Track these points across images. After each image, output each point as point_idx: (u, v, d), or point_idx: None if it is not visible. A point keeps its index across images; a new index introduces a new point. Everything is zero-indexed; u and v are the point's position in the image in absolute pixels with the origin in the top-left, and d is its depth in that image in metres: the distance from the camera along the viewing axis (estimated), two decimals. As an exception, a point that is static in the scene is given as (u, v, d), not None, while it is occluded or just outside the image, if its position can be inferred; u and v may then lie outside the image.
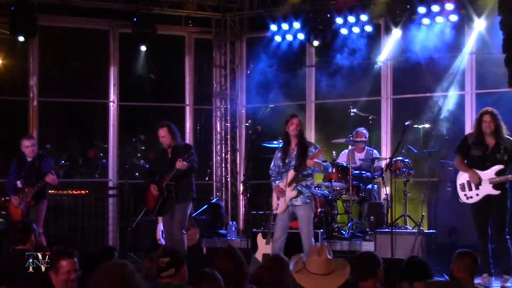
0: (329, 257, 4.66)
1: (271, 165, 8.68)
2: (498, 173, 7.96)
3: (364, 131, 10.93)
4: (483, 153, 8.05)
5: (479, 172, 8.04)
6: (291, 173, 8.34)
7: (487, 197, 8.01)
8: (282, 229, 8.43)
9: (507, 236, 7.98)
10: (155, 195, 8.93)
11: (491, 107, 8.28)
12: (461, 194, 8.21)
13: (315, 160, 8.19)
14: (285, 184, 8.37)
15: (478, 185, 8.03)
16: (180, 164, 8.68)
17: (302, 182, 8.33)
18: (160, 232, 9.81)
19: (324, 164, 8.39)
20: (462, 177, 8.22)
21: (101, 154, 12.87)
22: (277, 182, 8.50)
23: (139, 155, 13.75)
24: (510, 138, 8.08)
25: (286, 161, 8.43)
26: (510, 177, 7.92)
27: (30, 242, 6.15)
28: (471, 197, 8.11)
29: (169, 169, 8.81)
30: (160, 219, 9.67)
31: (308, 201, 8.37)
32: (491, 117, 8.03)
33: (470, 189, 8.09)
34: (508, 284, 7.84)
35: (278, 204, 8.46)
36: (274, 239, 8.51)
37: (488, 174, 8.00)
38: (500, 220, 7.97)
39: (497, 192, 7.95)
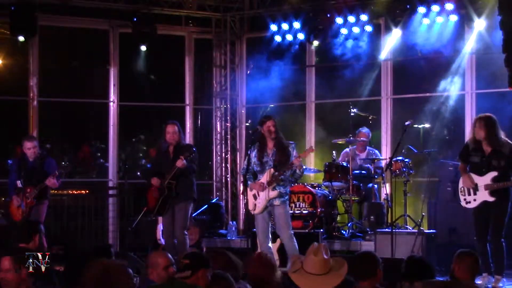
0: (326, 257, 4.64)
1: (244, 164, 8.57)
2: (494, 180, 7.94)
3: (367, 131, 10.93)
4: (480, 159, 8.05)
5: (476, 177, 8.06)
6: (270, 172, 8.26)
7: (485, 203, 8.01)
8: (265, 231, 8.36)
9: (502, 239, 7.96)
10: (155, 190, 8.92)
11: (488, 113, 8.26)
12: (461, 197, 8.23)
13: (299, 162, 8.19)
14: (264, 183, 8.28)
15: (475, 190, 8.04)
16: (181, 162, 8.68)
17: (280, 182, 8.26)
18: (160, 232, 9.81)
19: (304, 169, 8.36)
20: (461, 181, 8.26)
21: (98, 154, 12.86)
22: (252, 181, 8.40)
23: (140, 155, 13.74)
24: (509, 142, 8.01)
25: (264, 160, 8.34)
26: (503, 184, 7.88)
27: (33, 242, 6.16)
28: (469, 202, 8.13)
29: (170, 168, 8.83)
30: (160, 219, 9.66)
31: (284, 199, 8.35)
32: (480, 124, 8.00)
33: (469, 194, 8.11)
34: (500, 284, 7.85)
35: (256, 204, 8.35)
36: (259, 243, 8.43)
37: (485, 180, 8.00)
38: (498, 224, 7.95)
39: (492, 199, 7.94)
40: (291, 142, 8.54)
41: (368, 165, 10.72)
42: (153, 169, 9.39)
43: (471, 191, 8.07)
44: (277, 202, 8.28)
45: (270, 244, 8.42)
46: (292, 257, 4.89)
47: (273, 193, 8.25)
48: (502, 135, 8.06)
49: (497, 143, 7.97)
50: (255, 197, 8.36)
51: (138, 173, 12.97)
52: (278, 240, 8.80)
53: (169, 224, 9.02)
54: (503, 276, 7.93)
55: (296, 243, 8.25)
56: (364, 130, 10.92)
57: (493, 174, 7.95)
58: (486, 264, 7.94)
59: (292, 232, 8.38)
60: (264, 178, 8.31)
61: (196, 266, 4.77)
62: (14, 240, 6.45)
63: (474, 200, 8.08)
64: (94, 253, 5.56)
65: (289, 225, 8.36)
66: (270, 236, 8.49)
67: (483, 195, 8.00)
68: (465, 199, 8.16)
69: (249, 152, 8.56)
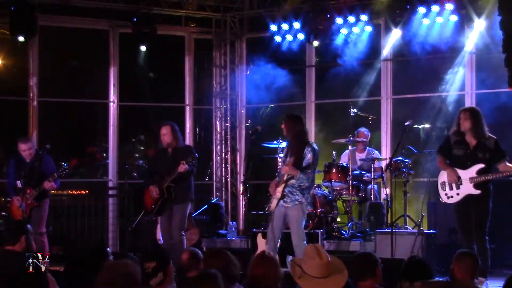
0: (330, 259, 4.67)
1: None
2: (479, 172, 7.75)
3: (366, 131, 10.93)
4: (465, 152, 7.85)
5: (460, 171, 7.85)
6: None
7: (468, 197, 7.81)
8: (274, 230, 8.19)
9: (487, 237, 7.77)
10: (154, 197, 8.90)
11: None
12: (441, 193, 8.00)
13: (290, 168, 7.97)
14: (275, 182, 8.26)
15: (458, 184, 7.84)
16: (183, 167, 8.62)
17: (295, 184, 8.08)
18: (160, 232, 9.81)
19: (302, 176, 7.99)
20: (443, 176, 8.01)
21: (104, 155, 12.85)
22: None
23: (137, 155, 13.74)
24: (492, 136, 7.85)
25: (286, 160, 8.26)
26: (491, 176, 7.73)
27: (19, 243, 5.99)
28: (452, 197, 7.91)
29: (169, 169, 8.78)
30: (160, 219, 9.66)
31: (297, 202, 8.09)
32: (466, 115, 7.82)
33: (451, 188, 7.89)
34: (483, 287, 7.53)
35: (271, 201, 8.27)
36: (266, 240, 8.34)
37: (469, 173, 7.79)
38: (481, 220, 7.75)
39: (477, 192, 7.73)
40: (310, 144, 8.22)
41: (368, 165, 10.71)
42: (150, 168, 9.35)
43: (453, 185, 7.86)
44: (288, 203, 8.12)
45: (276, 245, 8.29)
46: (289, 264, 4.88)
47: (278, 194, 8.16)
48: (485, 128, 7.87)
49: (482, 135, 7.79)
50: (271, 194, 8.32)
51: (135, 174, 12.95)
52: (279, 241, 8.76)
53: (167, 225, 8.99)
54: (487, 278, 7.67)
55: (305, 245, 8.07)
56: (363, 130, 10.92)
57: (480, 166, 7.74)
58: None
59: (303, 237, 8.13)
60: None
61: (164, 265, 4.62)
62: (2, 242, 6.26)
63: (457, 194, 7.85)
64: (90, 254, 5.52)
65: (299, 230, 8.11)
66: (278, 235, 8.34)
67: (468, 189, 7.78)
68: (446, 194, 7.93)
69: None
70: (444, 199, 8.03)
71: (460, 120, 7.87)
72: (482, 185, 7.77)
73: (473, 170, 7.79)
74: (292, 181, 8.09)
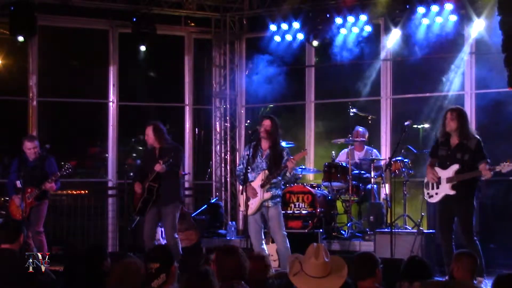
0: (327, 259, 4.63)
1: (242, 162, 8.46)
2: (456, 173, 7.81)
3: (362, 130, 10.94)
4: (446, 153, 7.93)
5: (440, 171, 7.92)
6: (264, 174, 8.23)
7: (447, 197, 7.87)
8: (258, 233, 8.34)
9: (475, 238, 7.79)
10: (138, 194, 8.86)
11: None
12: (425, 191, 8.14)
13: (292, 166, 8.12)
14: (257, 185, 8.26)
15: (437, 184, 7.91)
16: (160, 167, 8.58)
17: (275, 182, 8.24)
18: (160, 232, 9.80)
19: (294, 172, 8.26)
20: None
21: (106, 155, 12.85)
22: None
23: (134, 155, 13.73)
24: (476, 137, 7.88)
25: (257, 161, 8.32)
26: (462, 176, 7.74)
27: (17, 242, 5.99)
28: (432, 196, 8.01)
29: (152, 169, 8.71)
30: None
31: (277, 200, 8.34)
32: (452, 115, 7.88)
33: (432, 187, 7.98)
34: (482, 286, 7.50)
35: (249, 205, 8.25)
36: (253, 246, 8.33)
37: (447, 173, 7.86)
38: (466, 221, 7.78)
39: (453, 192, 7.79)
40: (285, 147, 8.50)
41: (368, 165, 10.71)
42: (140, 167, 9.27)
43: (434, 185, 7.94)
44: (270, 204, 8.28)
45: (264, 246, 8.39)
46: (289, 257, 4.86)
47: (267, 194, 8.23)
48: (473, 131, 7.97)
49: (465, 136, 7.83)
50: (248, 198, 8.24)
51: (131, 174, 12.94)
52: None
53: (149, 227, 8.87)
54: (484, 278, 7.65)
55: (288, 244, 8.26)
56: (360, 129, 10.93)
57: (456, 167, 7.80)
58: (449, 267, 7.69)
59: (285, 233, 8.37)
60: (257, 180, 8.28)
61: (167, 266, 4.53)
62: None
63: (436, 194, 7.95)
64: (88, 253, 5.51)
65: (282, 225, 8.37)
66: (264, 237, 8.46)
67: (444, 189, 7.86)
68: (428, 193, 8.05)
69: (245, 150, 8.53)
70: (426, 197, 8.17)
71: (446, 120, 7.93)
72: (460, 186, 7.79)
73: (450, 171, 7.87)
74: (274, 180, 8.19)
